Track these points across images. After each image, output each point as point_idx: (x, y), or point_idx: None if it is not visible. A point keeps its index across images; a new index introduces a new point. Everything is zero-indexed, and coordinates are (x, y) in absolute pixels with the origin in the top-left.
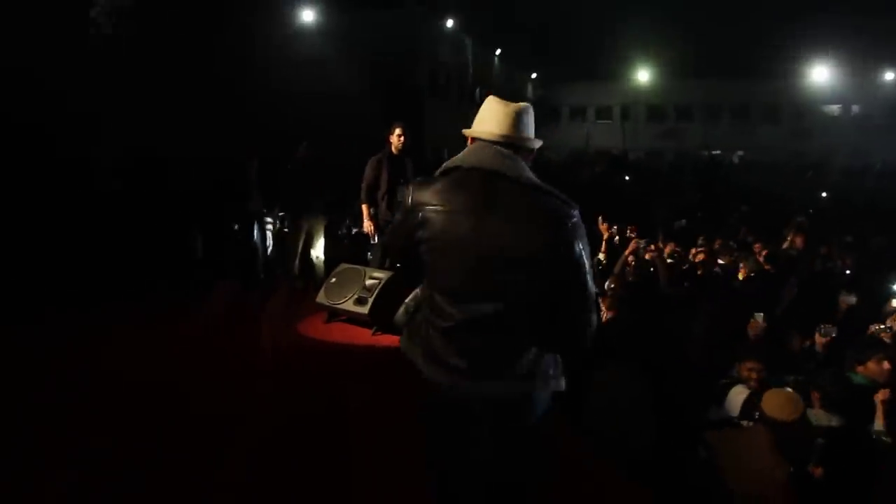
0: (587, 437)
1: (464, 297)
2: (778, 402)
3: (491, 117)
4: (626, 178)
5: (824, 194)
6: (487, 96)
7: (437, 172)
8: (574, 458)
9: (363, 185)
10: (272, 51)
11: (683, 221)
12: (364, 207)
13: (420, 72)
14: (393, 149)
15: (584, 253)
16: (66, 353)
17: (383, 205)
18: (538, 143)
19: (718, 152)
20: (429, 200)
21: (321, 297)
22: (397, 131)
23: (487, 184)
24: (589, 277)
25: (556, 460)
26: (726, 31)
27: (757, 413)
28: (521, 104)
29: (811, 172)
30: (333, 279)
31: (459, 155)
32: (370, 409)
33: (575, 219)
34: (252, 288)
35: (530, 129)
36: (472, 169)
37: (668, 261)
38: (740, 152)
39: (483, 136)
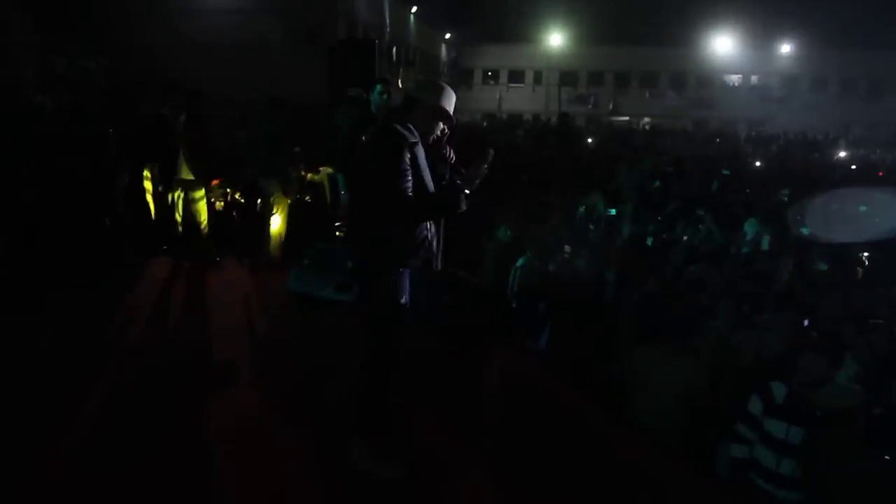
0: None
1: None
2: None
3: None
4: (590, 140)
5: (758, 163)
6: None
7: None
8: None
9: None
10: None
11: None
12: None
13: (338, 27)
14: (373, 108)
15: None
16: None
17: None
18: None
19: (627, 118)
20: None
21: (292, 284)
22: (379, 88)
23: None
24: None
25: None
26: None
27: None
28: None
29: (718, 140)
30: (306, 261)
31: None
32: None
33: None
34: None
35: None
36: None
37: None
38: (647, 119)
39: None
